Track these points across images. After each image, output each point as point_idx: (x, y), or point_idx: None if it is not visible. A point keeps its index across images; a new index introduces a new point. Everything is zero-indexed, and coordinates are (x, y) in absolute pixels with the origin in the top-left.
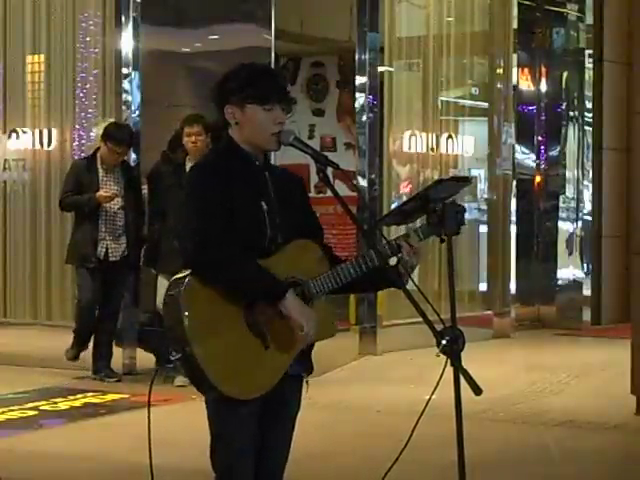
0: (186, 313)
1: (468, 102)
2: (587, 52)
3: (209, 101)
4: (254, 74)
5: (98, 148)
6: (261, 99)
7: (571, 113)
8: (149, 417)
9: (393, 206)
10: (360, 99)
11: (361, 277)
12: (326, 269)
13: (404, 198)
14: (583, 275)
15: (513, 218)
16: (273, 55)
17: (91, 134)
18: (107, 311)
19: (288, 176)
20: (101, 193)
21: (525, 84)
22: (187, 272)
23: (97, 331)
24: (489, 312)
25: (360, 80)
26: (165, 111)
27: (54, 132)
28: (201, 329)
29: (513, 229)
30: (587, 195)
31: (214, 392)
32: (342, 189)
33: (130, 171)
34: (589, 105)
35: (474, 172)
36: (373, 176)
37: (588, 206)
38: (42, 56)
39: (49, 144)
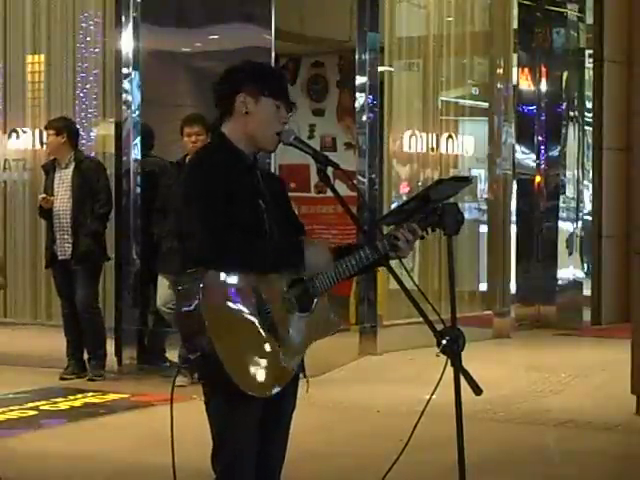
0: (205, 313)
1: (468, 102)
2: (587, 52)
3: (212, 95)
4: (268, 70)
5: None
6: (276, 94)
7: (571, 113)
8: (172, 416)
9: (393, 206)
10: (360, 99)
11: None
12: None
13: (404, 198)
14: (583, 275)
15: (513, 218)
16: (273, 55)
17: (91, 134)
18: (80, 309)
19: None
20: (39, 198)
21: (525, 84)
22: (196, 269)
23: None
24: (489, 312)
25: (360, 80)
26: (166, 111)
27: None
28: (219, 328)
29: (513, 229)
30: (587, 195)
31: (231, 389)
32: (342, 189)
33: (81, 165)
34: (589, 105)
35: (474, 172)
36: (373, 176)
37: (588, 206)
38: (42, 56)
39: None
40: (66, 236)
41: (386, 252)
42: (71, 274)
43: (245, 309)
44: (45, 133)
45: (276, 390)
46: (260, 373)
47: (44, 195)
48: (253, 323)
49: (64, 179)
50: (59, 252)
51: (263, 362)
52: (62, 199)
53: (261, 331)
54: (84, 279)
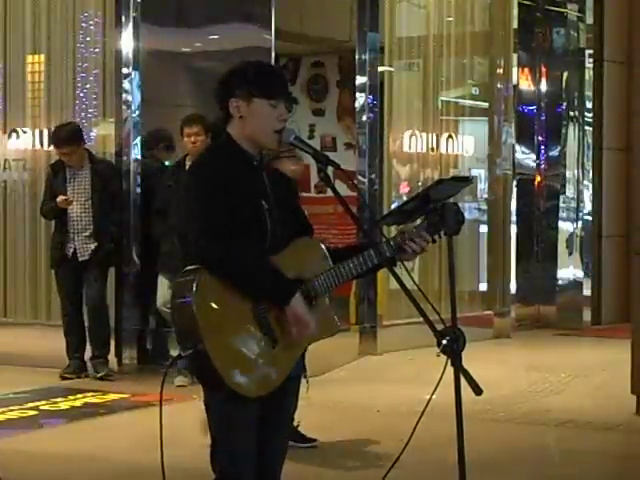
0: (198, 309)
1: (468, 102)
2: (587, 52)
3: (212, 96)
4: (261, 70)
5: None
6: (268, 94)
7: (571, 113)
8: (161, 415)
9: (393, 206)
10: (360, 99)
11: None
12: (328, 267)
13: (404, 198)
14: (583, 275)
15: (513, 218)
16: (273, 55)
17: (91, 134)
18: (89, 309)
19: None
20: (58, 199)
21: (525, 84)
22: (195, 267)
23: (89, 330)
24: (489, 312)
25: (360, 80)
26: (166, 111)
27: None
28: (213, 326)
29: (513, 229)
30: (587, 195)
31: (223, 389)
32: (342, 189)
33: (98, 168)
34: (589, 105)
35: (474, 172)
36: (373, 176)
37: (588, 206)
38: (42, 56)
39: (49, 144)
40: (84, 238)
41: (392, 255)
42: (81, 275)
43: (239, 308)
44: (51, 140)
45: (269, 390)
46: (252, 372)
47: (65, 197)
48: (247, 322)
49: (80, 181)
50: (78, 253)
51: (255, 361)
52: (79, 200)
53: (255, 330)
54: (100, 279)
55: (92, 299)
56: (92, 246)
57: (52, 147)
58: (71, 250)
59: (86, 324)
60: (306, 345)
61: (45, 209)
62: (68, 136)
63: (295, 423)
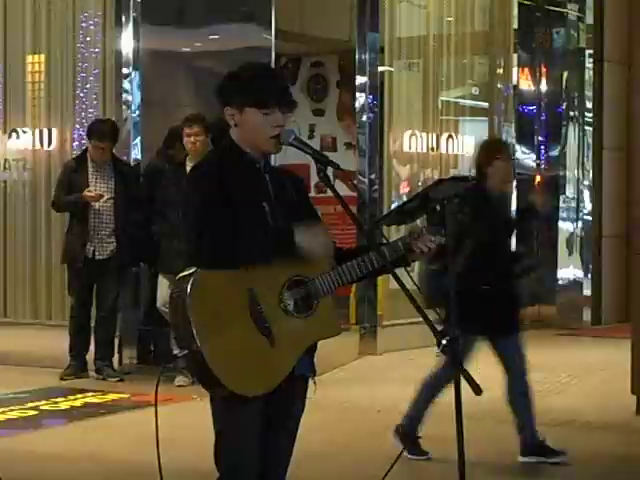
0: (193, 310)
1: (468, 102)
2: (587, 52)
3: (212, 96)
4: (255, 77)
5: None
6: (260, 103)
7: (571, 113)
8: (156, 416)
9: (393, 206)
10: (360, 99)
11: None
12: (331, 267)
13: (404, 198)
14: (583, 275)
15: None
16: (273, 55)
17: None
18: (100, 310)
19: (288, 176)
20: (86, 193)
21: (525, 84)
22: (192, 269)
23: (95, 331)
24: None
25: (360, 80)
26: (165, 111)
27: (54, 132)
28: (208, 326)
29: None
30: (587, 195)
31: (220, 389)
32: (342, 189)
33: (122, 168)
34: (589, 105)
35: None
36: (373, 176)
37: (588, 206)
38: (42, 56)
39: (49, 144)
40: (103, 236)
41: (399, 255)
42: (95, 273)
43: (236, 307)
44: (88, 138)
45: (267, 390)
46: (248, 372)
47: (100, 193)
48: (244, 322)
49: (103, 178)
50: (96, 252)
51: (252, 361)
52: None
53: (252, 330)
54: (115, 281)
55: (106, 302)
56: (111, 246)
57: (89, 138)
58: (91, 249)
59: (92, 324)
60: (308, 344)
61: (63, 201)
62: (110, 131)
63: (541, 438)
